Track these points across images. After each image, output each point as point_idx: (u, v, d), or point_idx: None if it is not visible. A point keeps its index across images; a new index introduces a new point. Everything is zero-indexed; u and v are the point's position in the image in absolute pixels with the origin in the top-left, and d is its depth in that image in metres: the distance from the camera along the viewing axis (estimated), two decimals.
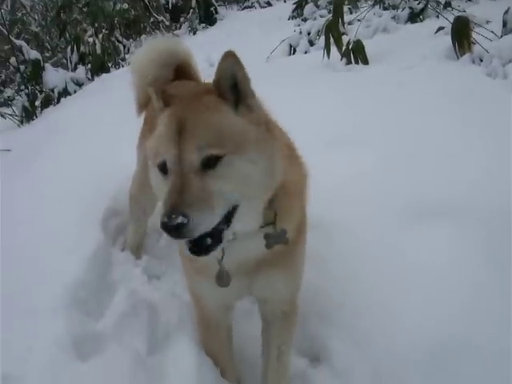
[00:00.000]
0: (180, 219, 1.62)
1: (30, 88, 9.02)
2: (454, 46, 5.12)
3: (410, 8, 7.34)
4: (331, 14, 6.37)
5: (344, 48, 5.95)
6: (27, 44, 10.18)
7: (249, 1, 17.21)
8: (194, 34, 13.74)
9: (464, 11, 6.07)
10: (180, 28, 15.49)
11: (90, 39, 11.85)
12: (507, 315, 2.40)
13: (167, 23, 15.10)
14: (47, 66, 9.33)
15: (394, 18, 7.42)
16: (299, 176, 2.17)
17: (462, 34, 5.10)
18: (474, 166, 3.29)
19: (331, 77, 5.58)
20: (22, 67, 9.43)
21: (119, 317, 2.75)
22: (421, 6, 7.32)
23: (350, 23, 7.55)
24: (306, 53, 7.42)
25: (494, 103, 3.84)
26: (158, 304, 2.94)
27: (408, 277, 2.74)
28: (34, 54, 9.06)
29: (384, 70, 5.35)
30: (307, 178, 2.20)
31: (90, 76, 10.30)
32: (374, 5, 8.02)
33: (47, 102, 8.77)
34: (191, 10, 15.50)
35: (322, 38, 6.48)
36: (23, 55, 9.29)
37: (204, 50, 7.90)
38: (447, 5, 6.93)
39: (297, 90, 4.70)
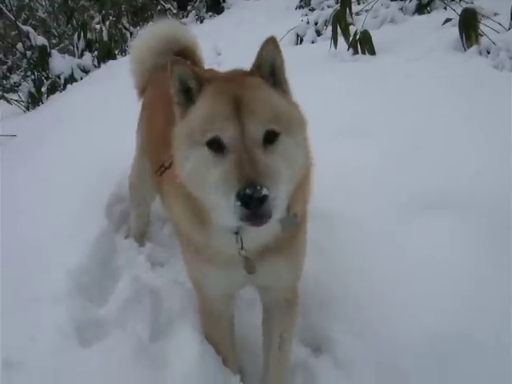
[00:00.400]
0: (264, 191, 1.59)
1: (36, 74, 9.02)
2: (462, 37, 5.10)
3: None
4: (339, 4, 6.34)
5: (351, 38, 5.93)
6: (34, 30, 10.17)
7: None
8: (201, 22, 13.73)
9: (472, 3, 6.03)
10: (187, 16, 15.49)
11: (97, 26, 11.83)
12: (508, 308, 2.40)
13: (174, 11, 15.10)
14: (54, 52, 9.32)
15: (401, 9, 7.40)
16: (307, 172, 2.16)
17: (469, 26, 5.07)
18: (477, 159, 3.28)
19: (338, 67, 5.56)
20: (28, 53, 9.42)
21: (122, 303, 2.76)
22: None
23: (357, 14, 7.52)
24: (312, 42, 7.41)
25: (500, 95, 3.82)
26: (161, 291, 2.95)
27: (410, 269, 2.74)
28: (40, 40, 9.04)
29: (391, 60, 5.33)
30: (313, 166, 2.18)
31: (96, 63, 10.29)
32: None
33: (53, 89, 8.77)
34: None
35: (329, 28, 6.47)
36: (30, 41, 9.28)
37: (211, 39, 7.89)
38: None
39: (303, 79, 4.65)
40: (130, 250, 3.33)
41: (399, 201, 3.13)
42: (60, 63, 9.05)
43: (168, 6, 14.42)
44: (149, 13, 14.21)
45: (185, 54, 3.12)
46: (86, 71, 9.41)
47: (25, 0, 19.83)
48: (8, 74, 13.23)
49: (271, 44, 1.90)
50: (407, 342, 2.48)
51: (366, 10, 7.19)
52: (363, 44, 5.82)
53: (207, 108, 1.85)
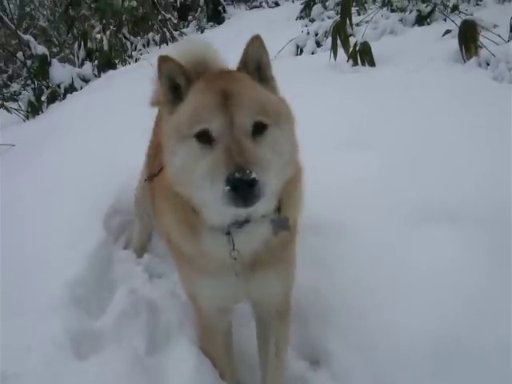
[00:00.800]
0: (254, 174, 1.59)
1: (36, 83, 9.04)
2: (461, 49, 5.11)
3: (418, 11, 7.34)
4: (339, 16, 6.36)
5: (351, 49, 5.94)
6: (35, 39, 10.21)
7: (257, 0, 17.27)
8: (202, 32, 13.78)
9: (471, 15, 6.06)
10: (188, 26, 15.55)
11: (98, 35, 11.89)
12: (508, 320, 2.39)
13: (175, 21, 15.14)
14: (54, 61, 9.35)
15: (401, 20, 7.43)
16: (298, 169, 2.16)
17: (469, 38, 5.09)
18: (478, 170, 3.27)
19: (337, 78, 5.56)
20: (28, 62, 9.45)
21: (119, 315, 2.74)
22: (428, 8, 7.32)
23: (357, 25, 7.55)
24: (312, 53, 7.42)
25: (500, 107, 3.82)
26: (158, 303, 2.94)
27: (410, 281, 2.73)
28: (41, 50, 9.08)
29: (390, 72, 5.33)
30: (303, 171, 2.20)
31: (96, 72, 10.32)
32: (381, 7, 8.03)
33: (53, 98, 8.77)
34: (199, 9, 15.55)
35: (329, 39, 6.47)
36: (30, 50, 9.32)
37: None
38: (455, 8, 6.95)
39: (303, 90, 4.68)
40: (127, 261, 3.32)
41: (399, 212, 3.12)
42: (60, 72, 9.08)
43: (169, 16, 14.43)
44: (149, 23, 14.24)
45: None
46: (86, 80, 9.43)
47: (26, 9, 19.92)
48: (8, 83, 13.25)
49: (256, 42, 1.94)
50: (406, 354, 2.46)
51: (366, 21, 7.21)
52: (363, 55, 5.83)
53: (195, 102, 1.86)
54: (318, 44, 7.73)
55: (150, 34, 13.98)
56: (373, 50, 5.79)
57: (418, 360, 2.42)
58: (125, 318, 2.73)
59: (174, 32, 13.65)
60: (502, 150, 3.35)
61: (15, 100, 8.99)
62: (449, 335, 2.43)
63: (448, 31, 5.86)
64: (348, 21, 6.10)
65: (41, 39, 15.67)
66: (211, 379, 2.44)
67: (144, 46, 13.48)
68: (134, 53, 12.64)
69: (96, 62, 10.80)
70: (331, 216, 3.14)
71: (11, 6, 12.31)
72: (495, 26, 5.54)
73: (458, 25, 5.23)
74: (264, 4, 16.96)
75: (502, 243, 2.73)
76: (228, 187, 1.60)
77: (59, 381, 2.26)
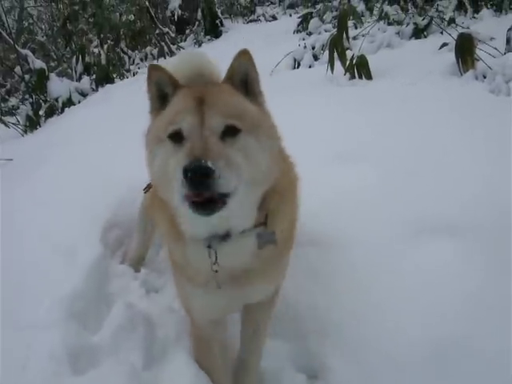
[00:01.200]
0: (210, 164, 1.60)
1: (34, 97, 9.06)
2: (458, 62, 5.12)
3: (415, 24, 7.36)
4: (336, 29, 6.38)
5: (348, 63, 5.95)
6: (33, 53, 10.23)
7: (254, 14, 17.34)
8: (200, 46, 13.81)
9: (468, 28, 6.09)
10: (185, 40, 15.59)
11: (96, 50, 11.92)
12: (508, 324, 2.39)
13: (173, 35, 15.18)
14: (52, 75, 9.36)
15: (398, 33, 7.44)
16: (289, 178, 2.18)
17: (465, 51, 5.10)
18: (475, 183, 3.27)
19: (335, 91, 5.57)
20: (26, 76, 9.48)
21: (116, 330, 2.72)
22: (425, 22, 7.34)
23: (354, 38, 7.56)
24: (310, 67, 7.42)
25: (497, 120, 3.82)
26: (155, 318, 2.92)
27: (408, 294, 2.72)
28: (39, 64, 9.10)
29: (387, 85, 5.34)
30: (298, 181, 2.22)
31: (94, 86, 10.34)
32: (378, 20, 8.06)
33: (51, 112, 8.79)
34: (197, 23, 15.60)
35: (327, 52, 6.48)
36: (28, 65, 9.34)
37: None
38: (451, 21, 6.98)
39: (300, 103, 4.69)
40: (124, 275, 3.30)
41: (398, 225, 3.12)
42: (58, 86, 9.09)
43: (166, 29, 14.48)
44: (147, 37, 14.28)
45: None
46: (83, 94, 9.44)
47: (24, 23, 19.98)
48: (6, 97, 13.26)
49: (243, 56, 1.96)
50: (404, 368, 2.45)
51: (363, 35, 7.23)
52: (360, 68, 5.84)
53: (172, 107, 1.92)
54: (316, 57, 7.74)
55: (148, 48, 14.01)
56: (370, 63, 5.80)
57: (417, 374, 2.41)
58: (122, 333, 2.72)
59: (171, 46, 13.70)
60: (499, 163, 3.35)
61: (13, 114, 9.00)
62: (447, 350, 2.42)
63: (445, 44, 5.88)
64: (345, 34, 6.13)
65: (39, 53, 15.69)
66: None
67: (142, 59, 13.52)
68: (131, 67, 12.66)
69: (94, 76, 10.82)
70: (329, 229, 3.13)
71: (9, 20, 12.35)
72: (492, 38, 5.56)
73: (455, 38, 5.25)
74: (261, 18, 17.04)
75: (501, 253, 2.73)
76: (183, 178, 1.61)
77: None
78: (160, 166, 1.84)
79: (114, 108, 6.72)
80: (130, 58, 13.08)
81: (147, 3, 13.96)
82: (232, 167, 1.69)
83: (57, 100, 8.95)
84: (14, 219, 3.56)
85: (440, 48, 5.97)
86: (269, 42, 9.92)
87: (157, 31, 14.02)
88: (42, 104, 8.92)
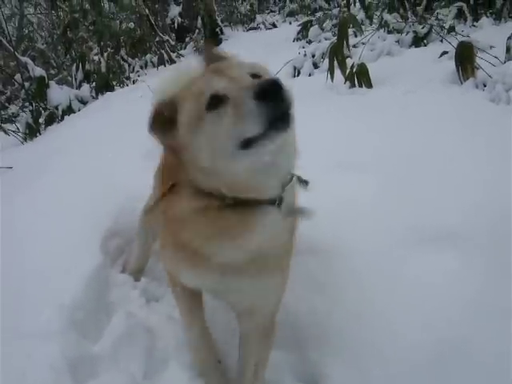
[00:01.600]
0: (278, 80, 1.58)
1: (34, 105, 9.02)
2: (458, 70, 5.12)
3: (414, 32, 7.38)
4: (336, 37, 6.39)
5: (348, 71, 5.96)
6: (33, 61, 10.25)
7: (254, 22, 17.40)
8: (199, 53, 13.79)
9: (468, 36, 6.09)
10: (185, 48, 15.62)
11: (96, 57, 11.92)
12: (508, 327, 2.39)
13: (172, 43, 15.22)
14: (52, 83, 9.35)
15: (398, 41, 7.46)
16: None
17: (465, 59, 5.10)
18: (475, 190, 3.27)
19: (335, 100, 5.57)
20: (26, 84, 9.48)
21: (116, 340, 2.72)
22: (425, 30, 7.36)
23: (354, 46, 7.57)
24: (310, 75, 7.43)
25: (497, 129, 3.82)
26: (155, 327, 2.91)
27: (409, 302, 2.71)
28: (38, 71, 9.10)
29: (388, 93, 5.34)
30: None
31: (94, 94, 10.35)
32: (378, 28, 8.07)
33: (51, 120, 8.78)
34: (197, 30, 15.64)
35: (327, 60, 6.49)
36: (28, 72, 9.34)
37: None
38: (451, 29, 6.98)
39: (300, 112, 4.67)
40: (124, 285, 3.29)
41: (398, 233, 3.11)
42: (58, 94, 9.08)
43: (166, 37, 14.52)
44: (147, 44, 14.30)
45: None
46: (83, 102, 9.44)
47: (24, 31, 20.03)
48: (6, 105, 13.27)
49: None
50: (405, 375, 2.44)
51: (363, 43, 7.23)
52: (360, 77, 5.84)
53: (195, 88, 1.86)
54: (316, 65, 7.75)
55: (148, 56, 14.03)
56: (370, 72, 5.80)
57: (419, 381, 2.41)
58: (122, 342, 2.72)
59: (171, 53, 13.72)
60: (499, 171, 3.35)
61: (13, 122, 8.98)
62: (452, 355, 2.41)
63: (444, 52, 5.89)
64: (345, 42, 6.12)
65: (39, 61, 15.73)
66: None
67: (142, 67, 13.54)
68: (131, 74, 12.67)
69: (94, 83, 10.82)
70: (328, 238, 3.13)
71: (9, 27, 12.37)
72: (491, 47, 5.57)
73: (455, 46, 5.25)
74: (261, 26, 17.11)
75: (501, 260, 2.73)
76: (256, 102, 1.56)
77: None
78: (210, 139, 1.73)
79: (114, 116, 6.73)
80: (130, 65, 13.09)
81: (147, 11, 13.99)
82: None
83: (57, 108, 8.95)
84: (13, 227, 3.55)
85: (440, 56, 5.97)
86: (269, 50, 9.94)
87: (157, 39, 14.04)
88: (42, 112, 8.90)
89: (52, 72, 15.06)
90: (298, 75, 7.60)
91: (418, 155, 3.80)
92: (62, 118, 8.69)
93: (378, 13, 9.72)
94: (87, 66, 11.45)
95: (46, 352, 2.45)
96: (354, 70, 5.87)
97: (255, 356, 2.44)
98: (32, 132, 8.25)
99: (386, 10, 9.03)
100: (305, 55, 8.01)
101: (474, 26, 7.37)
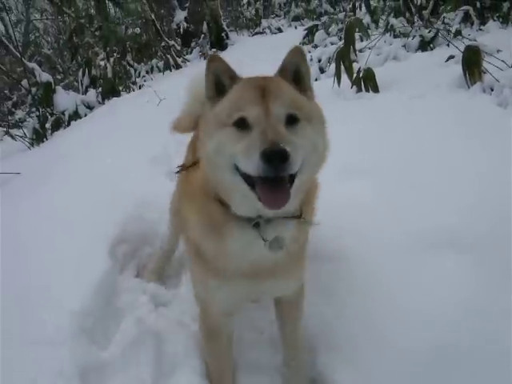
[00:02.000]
0: (287, 149, 1.71)
1: (40, 110, 9.04)
2: (465, 74, 5.11)
3: (421, 36, 7.38)
4: (342, 42, 6.39)
5: (355, 76, 5.96)
6: (40, 66, 10.27)
7: (260, 27, 17.42)
8: (205, 58, 13.80)
9: (474, 40, 6.07)
10: (191, 53, 15.65)
11: (102, 63, 11.96)
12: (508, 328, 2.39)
13: (178, 48, 15.25)
14: (58, 88, 9.38)
15: (404, 46, 7.46)
16: (316, 182, 2.33)
17: (472, 63, 5.09)
18: (481, 197, 3.27)
19: (341, 105, 5.57)
20: (33, 89, 9.48)
21: (125, 346, 2.73)
22: (431, 34, 7.36)
23: (360, 51, 7.58)
24: (316, 80, 7.43)
25: (504, 133, 3.81)
26: (164, 333, 2.91)
27: (417, 309, 2.70)
28: (45, 77, 9.12)
29: (394, 98, 5.34)
30: (319, 187, 2.35)
31: (100, 99, 10.37)
32: (384, 33, 8.07)
33: (57, 125, 8.80)
34: (202, 35, 15.66)
35: (333, 65, 6.50)
36: (35, 77, 9.36)
37: None
38: (457, 33, 6.98)
39: None
40: (133, 290, 3.28)
41: (404, 242, 3.11)
42: (64, 99, 9.11)
43: (172, 42, 14.56)
44: (153, 49, 14.34)
45: None
46: (90, 107, 9.48)
47: (31, 36, 20.12)
48: (13, 110, 13.32)
49: (295, 52, 2.10)
50: (414, 381, 2.43)
51: (370, 47, 7.23)
52: (367, 81, 5.84)
53: (235, 95, 2.03)
54: (322, 70, 7.76)
55: (154, 61, 14.08)
56: (376, 76, 5.80)
57: None
58: (131, 348, 2.72)
59: (177, 58, 13.75)
60: (506, 177, 3.34)
61: (20, 127, 8.99)
62: (461, 368, 2.39)
63: (451, 57, 5.88)
64: (351, 47, 6.13)
65: (45, 66, 15.79)
66: None
67: (147, 72, 13.57)
68: (137, 79, 12.70)
69: (100, 88, 10.85)
70: (335, 246, 3.14)
71: (16, 33, 12.41)
72: (498, 51, 5.55)
73: (462, 50, 5.24)
74: (267, 30, 17.13)
75: (502, 263, 2.74)
76: (262, 161, 1.71)
77: None
78: (218, 147, 1.93)
79: (121, 121, 6.74)
80: (135, 70, 13.12)
81: (153, 16, 14.03)
82: (298, 151, 1.80)
83: (63, 113, 8.97)
84: (21, 234, 3.56)
85: (447, 60, 5.96)
86: (274, 54, 9.90)
87: (162, 44, 14.08)
88: (49, 117, 8.92)
89: (58, 77, 15.13)
90: None
91: (423, 160, 3.80)
92: (69, 124, 8.71)
93: (384, 17, 9.73)
94: (93, 72, 11.49)
95: (56, 359, 2.44)
96: (361, 74, 5.88)
97: (291, 317, 2.66)
98: (39, 137, 8.27)
99: (392, 14, 9.05)
100: (311, 60, 8.02)
101: (481, 29, 7.36)
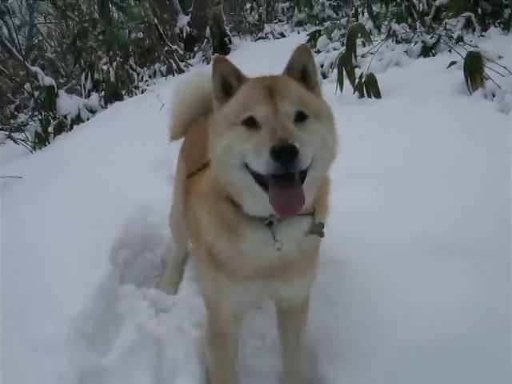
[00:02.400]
0: (297, 145, 1.72)
1: (43, 114, 9.07)
2: (467, 80, 5.13)
3: (423, 42, 7.38)
4: (344, 47, 6.40)
5: (357, 81, 5.96)
6: (43, 70, 10.30)
7: (263, 31, 17.43)
8: (208, 63, 13.84)
9: (476, 46, 6.08)
10: (194, 57, 15.65)
11: (105, 67, 11.96)
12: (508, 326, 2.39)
13: (181, 52, 15.25)
14: (61, 92, 9.41)
15: (406, 51, 7.47)
16: (328, 179, 2.32)
17: (474, 69, 5.11)
18: (482, 202, 3.27)
19: (343, 110, 5.54)
20: (36, 93, 9.51)
21: (125, 352, 2.72)
22: (433, 40, 7.37)
23: (362, 56, 7.59)
24: None
25: (506, 140, 3.81)
26: (164, 339, 2.90)
27: (419, 315, 2.70)
28: (48, 81, 9.15)
29: (396, 103, 5.35)
30: (331, 183, 2.34)
31: (103, 103, 10.38)
32: (386, 38, 8.07)
33: (60, 129, 8.83)
34: (205, 40, 15.67)
35: (335, 70, 6.50)
36: (38, 81, 9.39)
37: None
38: (459, 39, 6.99)
39: None
40: (133, 295, 3.26)
41: (405, 247, 3.11)
42: (67, 103, 9.14)
43: (175, 47, 14.54)
44: (156, 54, 14.34)
45: None
46: (92, 111, 9.50)
47: (34, 40, 20.18)
48: (16, 114, 13.33)
49: (302, 50, 2.12)
50: None
51: (372, 53, 7.23)
52: (369, 87, 5.85)
53: (243, 95, 2.03)
54: (324, 76, 7.76)
55: (157, 65, 14.06)
56: (378, 82, 5.81)
57: None
58: (131, 354, 2.71)
59: (180, 63, 13.75)
60: (506, 181, 3.34)
61: (22, 131, 8.99)
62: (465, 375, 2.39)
63: (453, 62, 5.88)
64: (353, 53, 6.14)
65: (48, 70, 15.81)
66: None
67: (150, 76, 13.56)
68: (140, 83, 12.69)
69: (103, 92, 10.87)
70: (336, 252, 3.13)
71: (20, 37, 12.45)
72: (500, 57, 5.56)
73: (463, 56, 5.25)
74: (270, 35, 17.14)
75: (503, 267, 2.76)
76: (272, 158, 1.71)
77: None
78: (228, 147, 1.93)
79: (123, 125, 6.75)
80: (138, 74, 13.11)
81: (156, 20, 14.03)
82: (307, 147, 1.81)
83: (66, 117, 9.00)
84: (22, 237, 3.56)
85: (448, 66, 5.96)
86: (277, 59, 9.91)
87: (165, 48, 14.07)
88: (51, 121, 8.94)
89: (61, 81, 15.12)
90: None
91: (425, 166, 3.81)
92: (71, 127, 8.73)
93: (386, 23, 9.73)
94: (96, 76, 11.51)
95: (55, 364, 2.44)
96: (363, 80, 5.89)
97: (294, 325, 2.62)
98: (41, 141, 8.28)
99: (394, 20, 9.04)
100: None
101: (483, 35, 7.36)
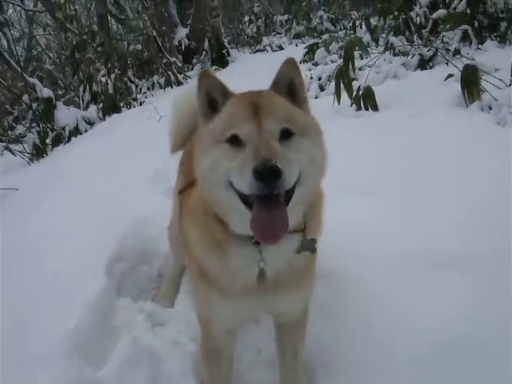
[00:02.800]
0: (280, 165, 1.67)
1: (41, 126, 9.08)
2: (464, 93, 5.14)
3: (420, 55, 7.41)
4: (342, 60, 6.42)
5: (354, 94, 5.98)
6: (41, 81, 10.31)
7: (261, 44, 17.51)
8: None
9: (473, 59, 6.11)
10: (192, 69, 15.70)
11: (103, 79, 11.99)
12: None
13: (180, 64, 15.30)
14: (59, 104, 9.41)
15: (403, 64, 7.49)
16: (320, 193, 2.28)
17: (471, 82, 5.12)
18: (480, 216, 3.27)
19: (341, 123, 5.59)
20: (34, 105, 9.52)
21: (121, 365, 2.69)
22: (430, 53, 7.40)
23: (360, 69, 7.62)
24: (316, 98, 7.45)
25: (503, 152, 3.82)
26: (160, 353, 2.87)
27: (417, 328, 2.69)
28: (46, 92, 9.16)
29: (393, 116, 5.36)
30: (324, 197, 2.31)
31: (101, 115, 10.39)
32: (384, 51, 8.10)
33: (58, 140, 8.83)
34: (204, 52, 15.73)
35: (333, 83, 6.52)
36: (36, 93, 9.40)
37: None
38: (456, 52, 7.02)
39: None
40: (129, 309, 3.24)
41: (404, 260, 3.11)
42: (65, 115, 9.14)
43: (173, 59, 14.60)
44: (154, 66, 14.38)
45: None
46: (90, 123, 9.51)
47: (32, 52, 20.23)
48: (13, 125, 13.34)
49: (289, 64, 2.08)
50: None
51: (369, 66, 7.26)
52: (366, 100, 5.87)
53: (227, 113, 1.99)
54: (322, 88, 7.79)
55: (155, 77, 14.09)
56: (376, 94, 5.83)
57: None
58: (127, 368, 2.68)
59: (178, 75, 13.80)
60: (504, 194, 3.35)
61: (20, 142, 9.00)
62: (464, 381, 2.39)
63: (450, 75, 5.91)
64: (351, 65, 6.16)
65: (46, 81, 15.85)
66: None
67: (149, 88, 13.59)
68: (138, 96, 12.72)
69: (101, 104, 10.88)
70: (334, 265, 3.11)
71: (18, 48, 12.48)
72: (496, 69, 5.59)
73: (460, 69, 5.27)
74: (268, 48, 17.22)
75: (501, 282, 2.76)
76: (254, 178, 1.68)
77: None
78: (212, 164, 1.90)
79: (121, 138, 6.76)
80: (137, 86, 13.13)
81: (154, 33, 14.09)
82: (292, 166, 1.78)
83: (64, 129, 9.01)
84: (18, 250, 3.55)
85: (445, 79, 5.99)
86: (275, 71, 9.97)
87: (164, 60, 14.13)
88: (49, 132, 8.95)
89: (59, 93, 15.16)
90: None
91: (422, 178, 3.81)
92: (69, 139, 8.74)
93: (383, 35, 9.78)
94: (94, 87, 11.52)
95: (50, 376, 2.44)
96: (360, 92, 5.90)
97: (292, 341, 2.56)
98: (39, 153, 8.29)
99: (391, 33, 9.09)
100: (311, 78, 8.04)
101: (479, 48, 7.40)
